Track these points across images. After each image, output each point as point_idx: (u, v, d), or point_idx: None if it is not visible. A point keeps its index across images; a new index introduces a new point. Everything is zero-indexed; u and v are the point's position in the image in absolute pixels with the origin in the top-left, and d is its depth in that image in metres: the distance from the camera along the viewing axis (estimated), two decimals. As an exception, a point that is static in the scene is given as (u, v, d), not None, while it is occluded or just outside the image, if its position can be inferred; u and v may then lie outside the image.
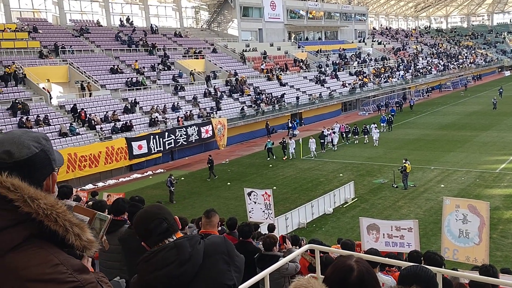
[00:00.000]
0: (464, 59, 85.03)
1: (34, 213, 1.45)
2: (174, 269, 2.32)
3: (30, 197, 1.46)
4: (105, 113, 32.46)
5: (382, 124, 39.38)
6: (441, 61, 79.29)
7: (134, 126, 32.43)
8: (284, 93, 45.90)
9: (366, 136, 35.75)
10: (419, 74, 68.55)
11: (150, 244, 2.45)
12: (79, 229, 1.52)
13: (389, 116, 40.96)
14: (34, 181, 1.52)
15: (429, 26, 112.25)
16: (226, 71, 46.18)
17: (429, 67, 73.37)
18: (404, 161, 23.66)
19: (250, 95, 43.84)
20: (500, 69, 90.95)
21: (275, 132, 40.72)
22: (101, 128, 30.65)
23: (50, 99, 32.37)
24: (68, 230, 1.49)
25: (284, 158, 31.62)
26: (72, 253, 1.53)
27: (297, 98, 46.43)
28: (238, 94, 43.38)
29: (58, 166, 1.67)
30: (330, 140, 34.15)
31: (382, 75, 62.19)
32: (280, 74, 50.73)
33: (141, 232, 2.48)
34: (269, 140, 33.19)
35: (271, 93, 45.46)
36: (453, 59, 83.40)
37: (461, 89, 68.39)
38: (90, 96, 34.30)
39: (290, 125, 42.05)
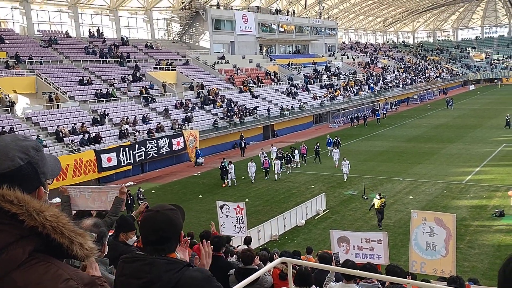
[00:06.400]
0: (431, 73, 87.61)
1: (40, 226, 1.36)
2: (137, 286, 2.25)
3: (35, 210, 1.36)
4: (73, 125, 31.82)
5: (328, 147, 35.31)
6: (408, 75, 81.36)
7: (104, 138, 31.87)
8: (257, 106, 46.12)
9: (294, 159, 31.94)
10: (388, 88, 70.10)
11: (143, 250, 2.39)
12: (81, 238, 1.44)
13: (335, 138, 36.30)
14: None
15: (400, 41, 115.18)
16: (198, 83, 46.08)
17: (397, 81, 75.14)
18: (378, 197, 19.69)
19: (222, 107, 43.81)
20: (463, 83, 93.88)
21: (248, 144, 40.49)
22: (71, 140, 30.00)
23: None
24: (73, 241, 1.41)
25: (223, 185, 28.49)
26: (68, 261, 1.47)
27: (268, 110, 46.65)
28: (210, 105, 43.34)
29: (50, 178, 1.54)
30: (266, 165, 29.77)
31: (352, 88, 63.28)
32: (252, 87, 50.96)
33: (141, 235, 2.41)
34: (224, 160, 29.74)
35: (243, 105, 45.57)
36: (420, 73, 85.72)
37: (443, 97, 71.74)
38: (58, 107, 33.60)
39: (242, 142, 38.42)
